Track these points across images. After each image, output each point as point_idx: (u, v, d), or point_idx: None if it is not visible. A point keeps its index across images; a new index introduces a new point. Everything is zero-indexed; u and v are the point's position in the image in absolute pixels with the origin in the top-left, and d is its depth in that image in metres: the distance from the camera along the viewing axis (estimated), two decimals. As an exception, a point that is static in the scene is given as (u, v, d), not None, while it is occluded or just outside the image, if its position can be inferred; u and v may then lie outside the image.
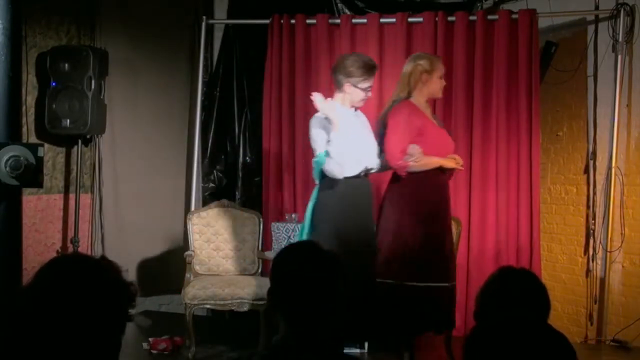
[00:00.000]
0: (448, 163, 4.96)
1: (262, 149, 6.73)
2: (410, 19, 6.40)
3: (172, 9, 7.11)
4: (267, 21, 6.63)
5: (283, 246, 5.63)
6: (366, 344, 5.60)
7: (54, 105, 6.01)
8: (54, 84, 6.03)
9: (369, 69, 4.90)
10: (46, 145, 5.58)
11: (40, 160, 4.33)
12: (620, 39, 5.96)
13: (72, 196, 6.33)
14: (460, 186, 6.10)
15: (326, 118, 4.81)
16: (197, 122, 6.84)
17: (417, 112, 4.96)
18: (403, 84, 5.04)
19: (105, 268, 1.69)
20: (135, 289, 1.70)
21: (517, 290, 2.55)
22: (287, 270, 2.28)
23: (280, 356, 2.21)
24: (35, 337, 1.59)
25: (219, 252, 5.97)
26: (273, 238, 6.00)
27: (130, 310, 1.69)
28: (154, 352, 5.51)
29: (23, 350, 1.59)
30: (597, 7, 6.17)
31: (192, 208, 6.57)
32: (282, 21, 6.59)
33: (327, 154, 4.75)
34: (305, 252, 2.33)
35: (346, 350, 5.28)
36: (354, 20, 6.54)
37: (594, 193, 6.20)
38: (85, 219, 6.45)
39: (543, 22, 6.31)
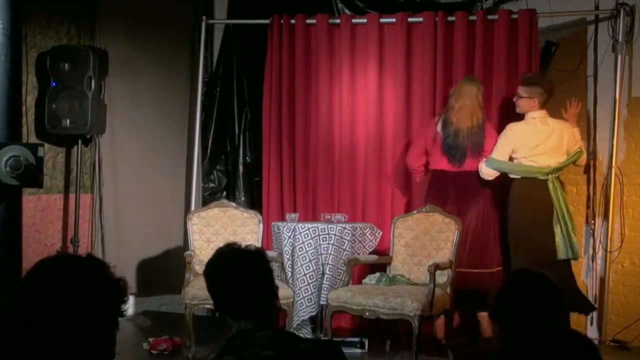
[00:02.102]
0: None
1: (262, 149, 6.72)
2: (410, 19, 6.40)
3: (172, 9, 7.11)
4: (267, 21, 6.63)
5: (283, 245, 5.64)
6: (366, 344, 5.60)
7: (54, 105, 6.01)
8: (54, 84, 6.03)
9: None
10: (46, 145, 5.57)
11: (40, 160, 4.34)
12: (620, 39, 5.96)
13: (72, 196, 6.33)
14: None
15: None
16: (197, 122, 6.84)
17: None
18: None
19: (91, 266, 1.69)
20: (124, 284, 1.70)
21: (535, 294, 2.58)
22: (216, 277, 2.42)
23: (227, 354, 2.28)
24: (29, 339, 1.59)
25: (219, 252, 5.96)
26: (273, 238, 6.00)
27: (122, 306, 1.69)
28: (154, 352, 5.51)
29: (17, 352, 1.60)
30: (597, 7, 6.17)
31: (192, 208, 6.57)
32: (282, 21, 6.59)
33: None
34: (227, 254, 2.46)
35: (346, 351, 5.27)
36: (354, 20, 6.54)
37: (594, 193, 6.19)
38: (85, 219, 6.45)
39: (543, 22, 6.31)
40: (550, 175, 5.61)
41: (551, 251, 5.53)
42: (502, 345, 2.28)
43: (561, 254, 5.56)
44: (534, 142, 5.65)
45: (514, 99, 5.78)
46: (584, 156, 5.78)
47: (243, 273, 2.38)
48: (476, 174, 5.83)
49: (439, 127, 5.89)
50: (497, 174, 5.77)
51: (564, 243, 5.53)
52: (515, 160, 5.74)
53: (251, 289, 2.37)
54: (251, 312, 2.36)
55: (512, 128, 5.71)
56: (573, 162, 5.76)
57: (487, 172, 5.77)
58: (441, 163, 5.87)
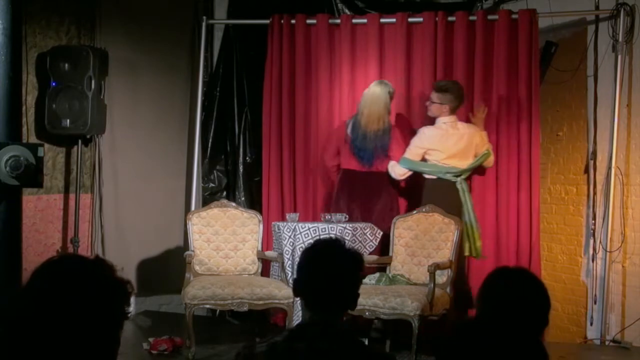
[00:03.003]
0: None
1: (262, 149, 6.72)
2: (410, 19, 6.40)
3: (172, 9, 7.11)
4: (267, 21, 6.63)
5: (283, 245, 5.65)
6: (366, 342, 5.60)
7: (54, 105, 6.01)
8: (54, 84, 6.03)
9: None
10: (46, 145, 5.58)
11: (40, 160, 4.34)
12: (620, 39, 5.96)
13: (72, 196, 6.33)
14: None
15: None
16: (197, 122, 6.84)
17: None
18: None
19: (99, 267, 1.69)
20: (130, 287, 1.71)
21: (515, 290, 2.56)
22: (311, 264, 2.49)
23: (298, 341, 2.34)
24: (33, 338, 1.59)
25: (219, 252, 5.96)
26: (273, 238, 6.00)
27: (126, 308, 1.70)
28: (154, 352, 5.51)
29: (22, 351, 1.60)
30: (597, 7, 6.18)
31: (192, 208, 6.57)
32: (282, 21, 6.59)
33: None
34: (330, 248, 2.52)
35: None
36: (354, 20, 6.54)
37: (594, 193, 6.20)
38: (85, 219, 6.45)
39: (543, 22, 6.31)
40: (459, 178, 5.87)
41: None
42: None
43: (466, 251, 5.85)
44: (445, 145, 5.89)
45: (427, 104, 6.00)
46: (491, 158, 5.98)
47: (342, 270, 2.46)
48: (384, 174, 6.07)
49: (349, 129, 6.13)
50: (409, 173, 6.00)
51: (468, 242, 5.82)
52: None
53: (342, 288, 2.45)
54: (331, 309, 2.43)
55: (425, 131, 5.96)
56: (481, 164, 5.97)
57: (399, 172, 6.02)
58: (351, 163, 6.13)
